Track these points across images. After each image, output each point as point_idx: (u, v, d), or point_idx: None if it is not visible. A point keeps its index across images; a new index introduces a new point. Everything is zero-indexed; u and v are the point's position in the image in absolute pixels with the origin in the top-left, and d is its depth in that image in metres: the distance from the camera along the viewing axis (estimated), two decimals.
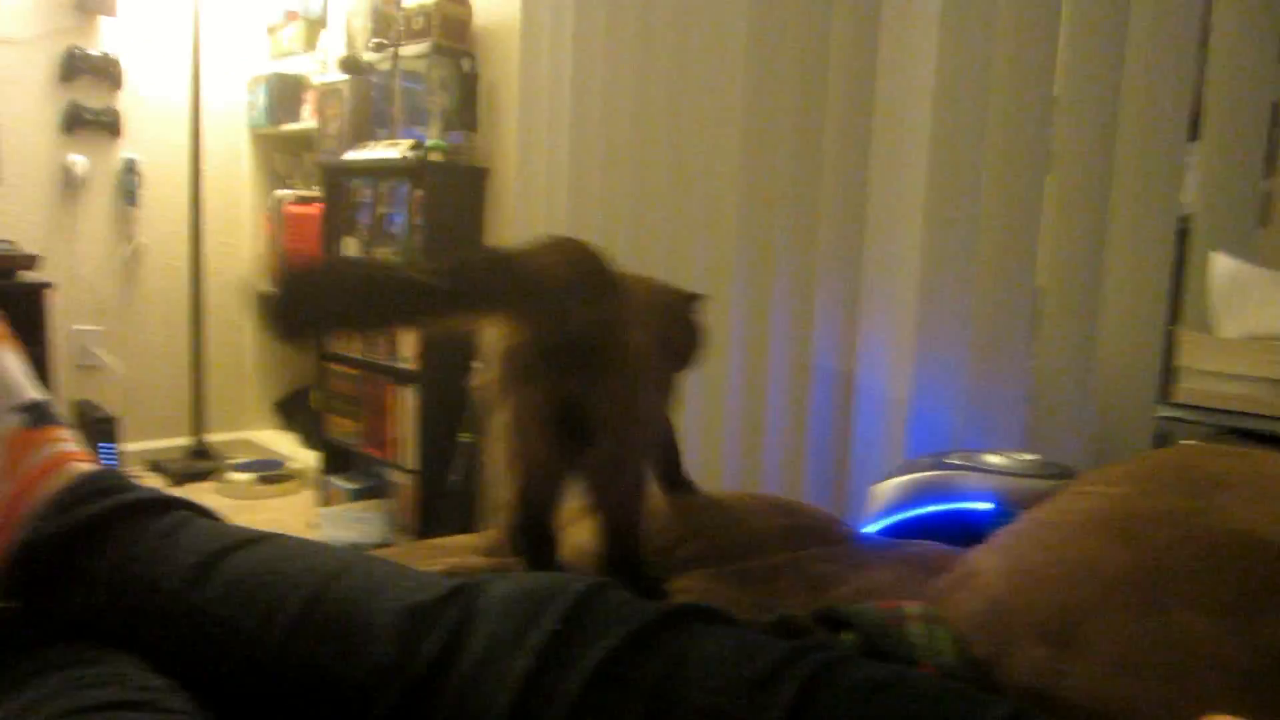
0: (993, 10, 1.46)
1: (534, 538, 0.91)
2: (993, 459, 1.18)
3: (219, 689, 0.64)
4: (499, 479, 0.91)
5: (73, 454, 0.82)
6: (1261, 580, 0.60)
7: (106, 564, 0.71)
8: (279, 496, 3.11)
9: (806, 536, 1.06)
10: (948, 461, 1.21)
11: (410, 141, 2.60)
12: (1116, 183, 1.34)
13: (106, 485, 0.78)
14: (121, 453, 2.91)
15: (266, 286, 0.73)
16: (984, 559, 0.76)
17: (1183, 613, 0.60)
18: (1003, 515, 1.08)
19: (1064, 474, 1.12)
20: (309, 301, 0.75)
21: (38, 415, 0.82)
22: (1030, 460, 1.17)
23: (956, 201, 1.52)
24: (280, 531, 0.76)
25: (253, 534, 0.73)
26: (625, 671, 0.52)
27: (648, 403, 0.90)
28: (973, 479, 1.14)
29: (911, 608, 0.73)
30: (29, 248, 2.77)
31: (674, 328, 1.11)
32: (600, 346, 0.83)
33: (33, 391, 0.85)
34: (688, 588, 0.95)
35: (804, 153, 1.76)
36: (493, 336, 0.84)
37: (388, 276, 0.78)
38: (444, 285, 0.75)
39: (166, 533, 0.73)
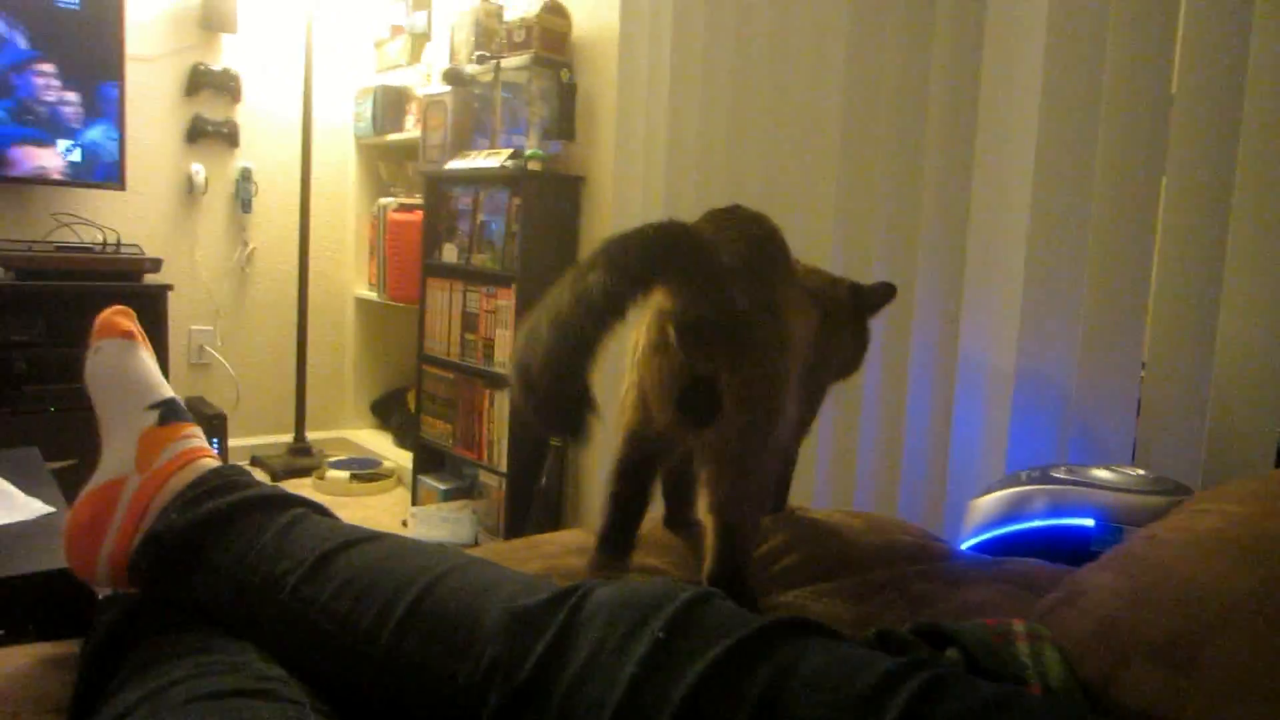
0: (1105, 2, 1.41)
1: (619, 513, 0.91)
2: (1101, 473, 1.14)
3: (332, 681, 0.66)
4: (614, 444, 0.92)
5: (200, 450, 0.87)
6: None
7: (230, 556, 0.75)
8: (373, 494, 3.20)
9: (904, 554, 1.04)
10: (1053, 475, 1.17)
11: (509, 151, 2.66)
12: (1239, 182, 1.28)
13: (231, 481, 0.82)
14: (227, 449, 3.04)
15: (517, 399, 0.73)
16: (1094, 577, 0.74)
17: None
18: (1109, 532, 1.04)
19: (1178, 491, 1.08)
20: (561, 390, 0.73)
21: (169, 412, 0.87)
22: (1141, 476, 1.12)
23: (1065, 204, 1.47)
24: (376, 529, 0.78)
25: (366, 532, 0.76)
26: (731, 681, 0.52)
27: (787, 401, 0.86)
28: (1078, 494, 1.10)
29: (1018, 625, 0.71)
30: (153, 252, 2.93)
31: (843, 329, 1.06)
32: (748, 331, 0.80)
33: (165, 389, 0.90)
34: (785, 604, 0.94)
35: (904, 161, 1.73)
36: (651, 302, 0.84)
37: (576, 313, 0.72)
38: (619, 289, 0.73)
39: (285, 528, 0.76)
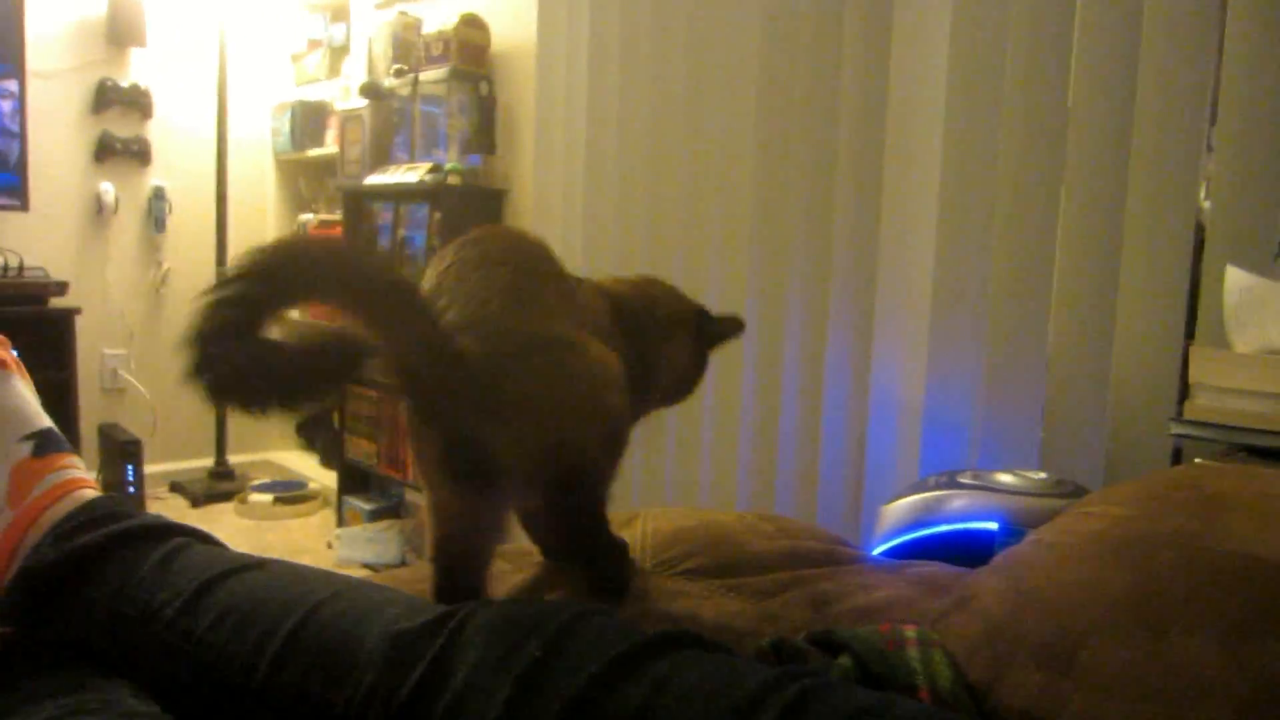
0: (1004, 21, 1.45)
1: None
2: (1004, 478, 1.16)
3: (211, 717, 0.64)
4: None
5: (77, 481, 0.83)
6: (1262, 605, 0.58)
7: (104, 591, 0.72)
8: (297, 517, 3.13)
9: (810, 559, 1.04)
10: (959, 480, 1.19)
11: (429, 165, 2.63)
12: (1131, 193, 1.33)
13: (108, 512, 0.79)
14: (144, 475, 2.94)
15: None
16: (983, 581, 0.75)
17: (1182, 637, 0.59)
18: (1010, 535, 1.06)
19: (1076, 492, 1.10)
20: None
21: (45, 443, 0.84)
22: (1042, 479, 1.15)
23: (970, 215, 1.50)
24: (293, 552, 0.75)
25: (249, 560, 0.74)
26: (605, 698, 0.52)
27: (587, 440, 0.74)
28: (982, 498, 1.12)
29: (909, 631, 0.71)
30: (59, 274, 2.83)
31: (670, 351, 0.94)
32: (500, 382, 0.68)
33: (40, 420, 0.86)
34: (687, 591, 0.94)
35: (818, 170, 1.75)
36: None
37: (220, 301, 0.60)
38: (254, 289, 0.61)
39: (164, 560, 0.73)
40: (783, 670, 0.53)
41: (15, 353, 0.91)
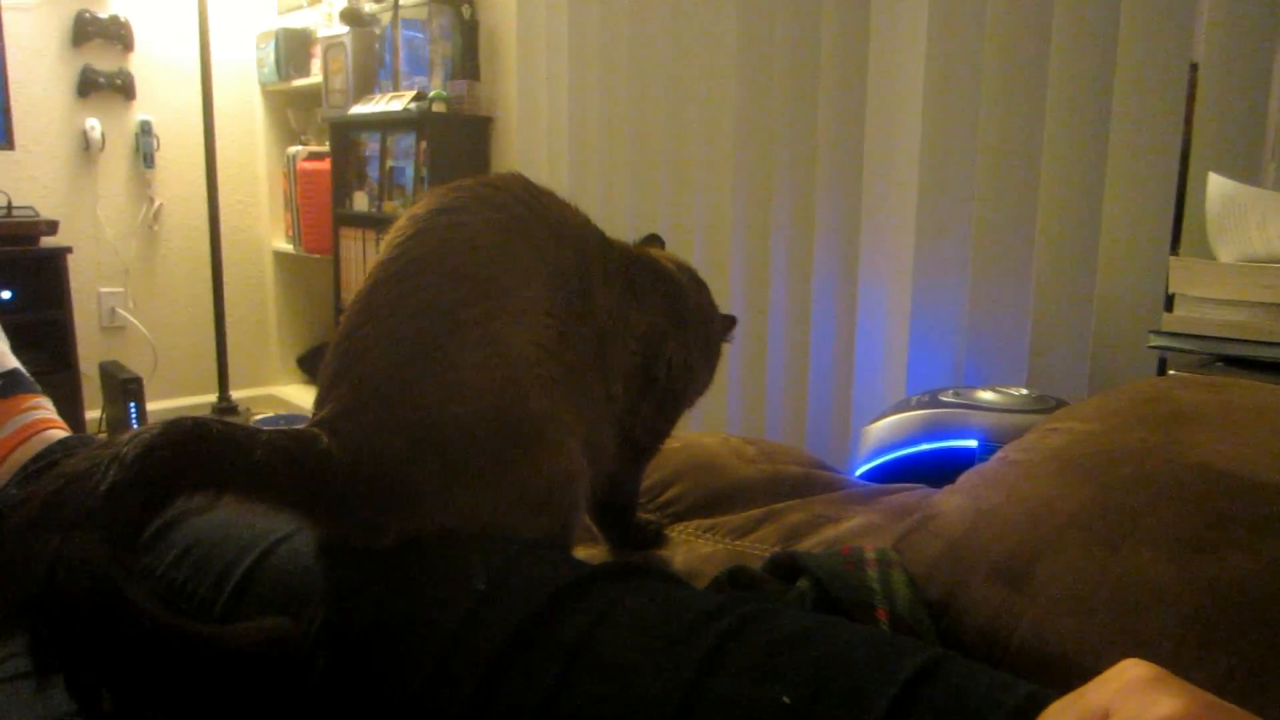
0: None
1: None
2: (986, 395, 1.16)
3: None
4: None
5: (46, 421, 0.83)
6: (1215, 515, 0.58)
7: None
8: None
9: (789, 485, 1.04)
10: (940, 399, 1.18)
11: (413, 92, 2.58)
12: (1116, 105, 1.29)
13: (74, 451, 0.79)
14: (147, 412, 2.96)
15: None
16: (946, 500, 0.75)
17: (1135, 550, 0.58)
18: (990, 453, 1.06)
19: (1057, 407, 1.09)
20: None
21: (10, 385, 0.84)
22: (1024, 395, 1.14)
23: (954, 132, 1.47)
24: None
25: None
26: (545, 631, 0.52)
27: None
28: (962, 416, 1.12)
29: (869, 552, 0.71)
30: (49, 213, 2.81)
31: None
32: (366, 493, 0.59)
33: (6, 361, 0.86)
34: (668, 539, 0.94)
35: (800, 93, 1.71)
36: None
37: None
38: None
39: None
40: (725, 598, 0.53)
41: None
